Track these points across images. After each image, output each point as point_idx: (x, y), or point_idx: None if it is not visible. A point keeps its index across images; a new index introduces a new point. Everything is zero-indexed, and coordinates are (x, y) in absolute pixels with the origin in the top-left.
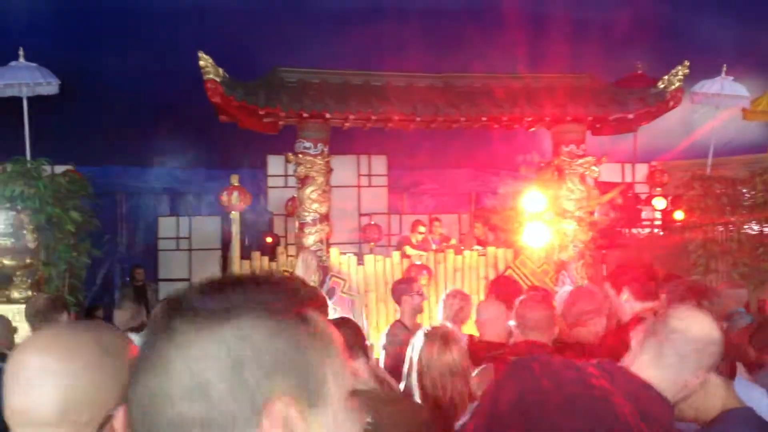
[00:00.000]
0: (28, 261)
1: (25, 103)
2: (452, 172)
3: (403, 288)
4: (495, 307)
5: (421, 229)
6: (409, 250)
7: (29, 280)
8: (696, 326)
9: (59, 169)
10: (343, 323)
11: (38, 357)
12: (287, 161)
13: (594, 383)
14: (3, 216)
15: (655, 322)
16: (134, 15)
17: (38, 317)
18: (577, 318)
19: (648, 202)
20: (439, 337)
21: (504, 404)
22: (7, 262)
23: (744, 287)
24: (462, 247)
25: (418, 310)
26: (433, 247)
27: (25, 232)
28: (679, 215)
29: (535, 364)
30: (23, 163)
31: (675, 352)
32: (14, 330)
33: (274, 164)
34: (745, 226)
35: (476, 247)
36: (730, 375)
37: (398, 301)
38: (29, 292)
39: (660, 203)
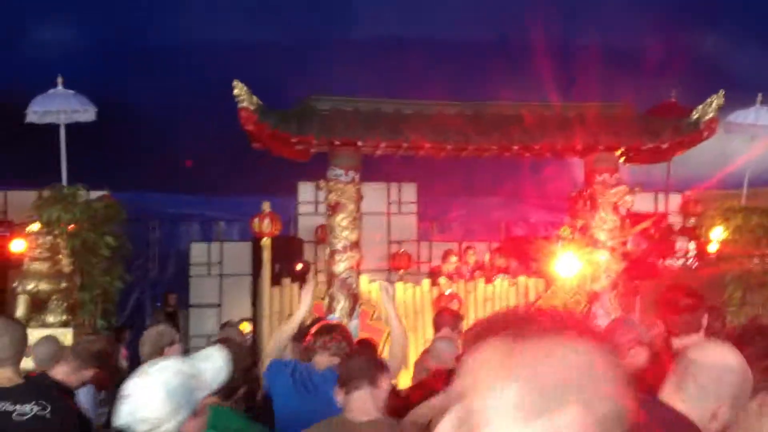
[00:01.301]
0: (63, 285)
1: (62, 130)
2: (482, 200)
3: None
4: None
5: (452, 258)
6: (442, 281)
7: (64, 305)
8: (712, 356)
9: (95, 194)
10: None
11: None
12: (318, 188)
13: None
14: (39, 240)
15: (681, 355)
16: (170, 45)
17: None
18: (616, 349)
19: (682, 232)
20: None
21: None
22: (43, 287)
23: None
24: (491, 276)
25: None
26: (467, 275)
27: (60, 256)
28: (712, 247)
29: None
30: (60, 188)
31: (694, 383)
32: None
33: (305, 191)
34: None
35: (501, 275)
36: None
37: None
38: (63, 317)
39: (690, 244)
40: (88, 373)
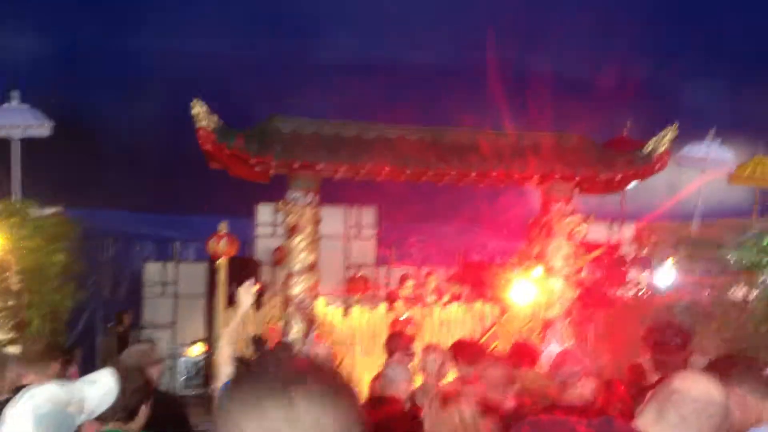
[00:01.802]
0: (10, 303)
1: (16, 144)
2: (440, 226)
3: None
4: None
5: (409, 283)
6: (399, 305)
7: (11, 322)
8: (697, 388)
9: (47, 211)
10: None
11: None
12: (277, 210)
13: None
14: None
15: (661, 384)
16: (130, 61)
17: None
18: (566, 380)
19: (634, 262)
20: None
21: None
22: None
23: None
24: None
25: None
26: (428, 300)
27: (8, 274)
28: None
29: (525, 427)
30: (11, 204)
31: (676, 413)
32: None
33: (264, 213)
34: (730, 291)
35: (453, 303)
36: None
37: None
38: (10, 335)
39: (642, 274)
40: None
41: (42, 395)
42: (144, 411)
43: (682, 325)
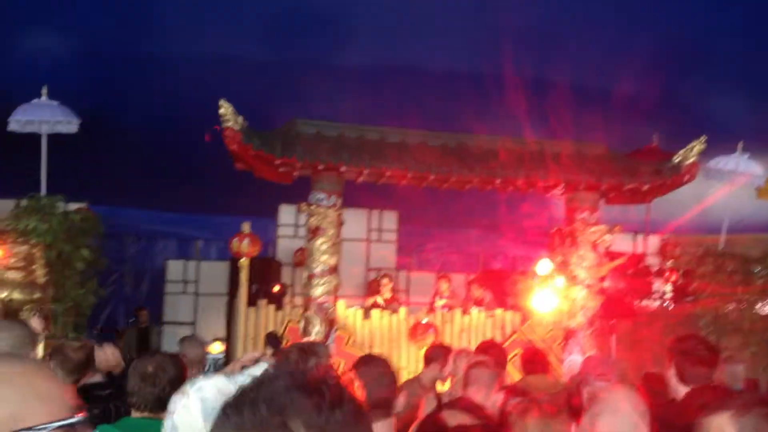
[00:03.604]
0: (36, 296)
1: (44, 140)
2: (460, 232)
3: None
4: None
5: (385, 281)
6: (379, 301)
7: (36, 315)
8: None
9: (73, 206)
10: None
11: None
12: (299, 211)
13: None
14: (15, 250)
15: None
16: (157, 62)
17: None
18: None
19: (659, 274)
20: None
21: None
22: (16, 295)
23: (742, 363)
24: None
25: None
26: (437, 305)
27: (35, 266)
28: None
29: None
30: (38, 198)
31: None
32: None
33: (286, 214)
34: (758, 305)
35: (474, 308)
36: None
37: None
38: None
39: (667, 285)
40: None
41: (211, 388)
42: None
43: (708, 338)
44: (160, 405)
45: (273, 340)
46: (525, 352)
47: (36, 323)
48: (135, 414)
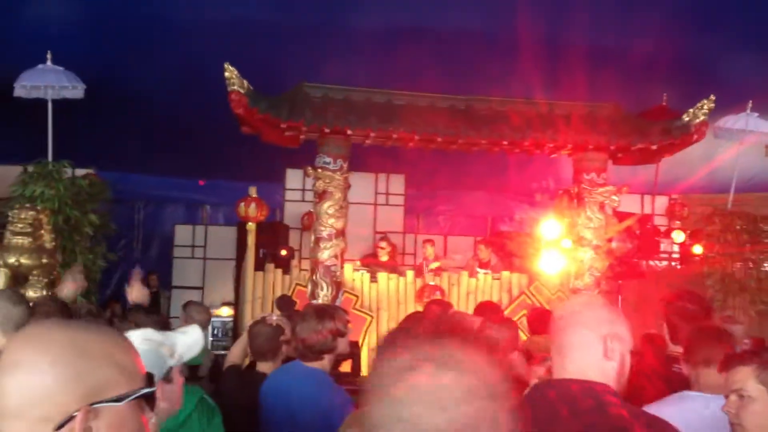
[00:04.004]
0: (44, 261)
1: (50, 105)
2: (468, 195)
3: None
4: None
5: (383, 244)
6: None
7: (45, 280)
8: None
9: (80, 172)
10: None
11: (12, 351)
12: (306, 175)
13: (612, 412)
14: (22, 215)
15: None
16: (163, 25)
17: None
18: None
19: (667, 234)
20: None
21: None
22: (24, 261)
23: (741, 324)
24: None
25: None
26: (426, 268)
27: (43, 232)
28: (697, 249)
29: (551, 391)
30: (45, 164)
31: None
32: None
33: (293, 178)
34: (765, 264)
35: (479, 269)
36: None
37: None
38: (44, 292)
39: (678, 237)
40: None
41: (139, 336)
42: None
43: (702, 294)
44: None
45: (285, 302)
46: (531, 312)
47: (68, 287)
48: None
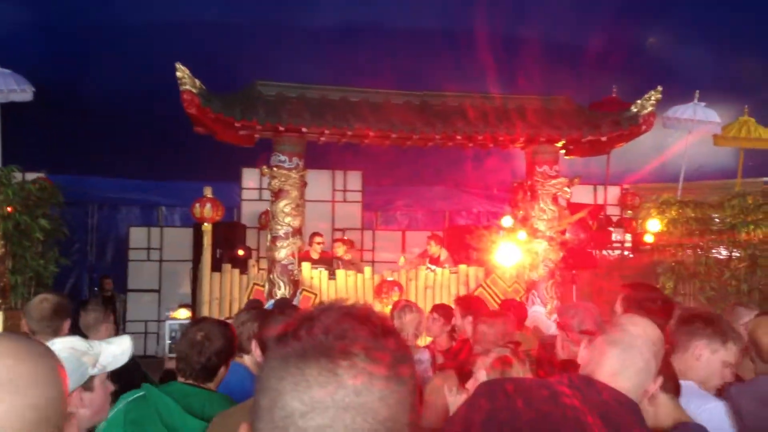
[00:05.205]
0: None
1: None
2: (426, 190)
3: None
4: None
5: (318, 239)
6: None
7: None
8: (650, 329)
9: (30, 176)
10: None
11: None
12: (262, 174)
13: (566, 402)
14: None
15: (612, 332)
16: (113, 27)
17: (43, 322)
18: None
19: (619, 223)
20: None
21: (476, 425)
22: None
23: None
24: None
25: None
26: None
27: None
28: (648, 238)
29: (508, 384)
30: None
31: (641, 358)
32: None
33: (249, 177)
34: (714, 251)
35: (429, 265)
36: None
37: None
38: None
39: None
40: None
41: (63, 343)
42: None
43: (661, 290)
44: (205, 375)
45: (284, 304)
46: (503, 303)
47: None
48: (180, 380)
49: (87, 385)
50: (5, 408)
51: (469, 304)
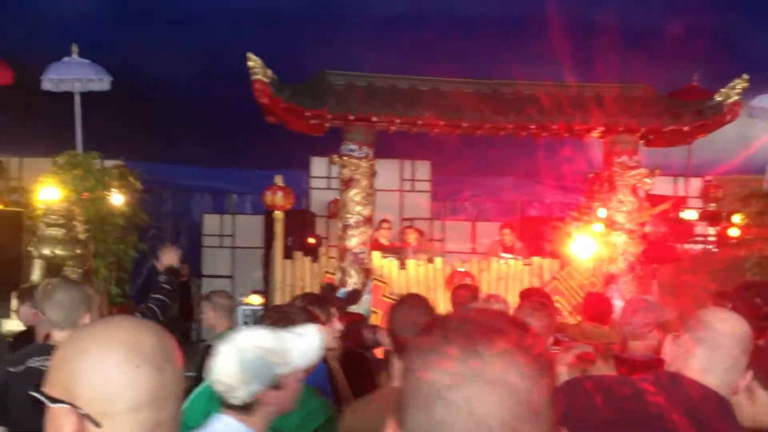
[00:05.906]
0: (78, 251)
1: (77, 98)
2: (496, 180)
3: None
4: None
5: (386, 225)
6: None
7: (79, 270)
8: (739, 325)
9: (109, 163)
10: None
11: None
12: (331, 163)
13: (649, 399)
14: (56, 206)
15: (698, 329)
16: (186, 17)
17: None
18: (635, 331)
19: (702, 217)
20: None
21: None
22: (58, 252)
23: None
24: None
25: None
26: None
27: (75, 223)
28: (734, 232)
29: (588, 381)
30: (75, 155)
31: (730, 355)
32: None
33: (318, 166)
34: None
35: (503, 254)
36: None
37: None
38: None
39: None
40: None
41: (248, 340)
42: None
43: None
44: None
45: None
46: (588, 297)
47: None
48: None
49: (275, 384)
50: (168, 379)
51: (530, 296)
